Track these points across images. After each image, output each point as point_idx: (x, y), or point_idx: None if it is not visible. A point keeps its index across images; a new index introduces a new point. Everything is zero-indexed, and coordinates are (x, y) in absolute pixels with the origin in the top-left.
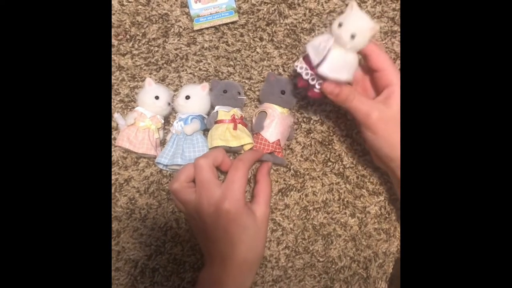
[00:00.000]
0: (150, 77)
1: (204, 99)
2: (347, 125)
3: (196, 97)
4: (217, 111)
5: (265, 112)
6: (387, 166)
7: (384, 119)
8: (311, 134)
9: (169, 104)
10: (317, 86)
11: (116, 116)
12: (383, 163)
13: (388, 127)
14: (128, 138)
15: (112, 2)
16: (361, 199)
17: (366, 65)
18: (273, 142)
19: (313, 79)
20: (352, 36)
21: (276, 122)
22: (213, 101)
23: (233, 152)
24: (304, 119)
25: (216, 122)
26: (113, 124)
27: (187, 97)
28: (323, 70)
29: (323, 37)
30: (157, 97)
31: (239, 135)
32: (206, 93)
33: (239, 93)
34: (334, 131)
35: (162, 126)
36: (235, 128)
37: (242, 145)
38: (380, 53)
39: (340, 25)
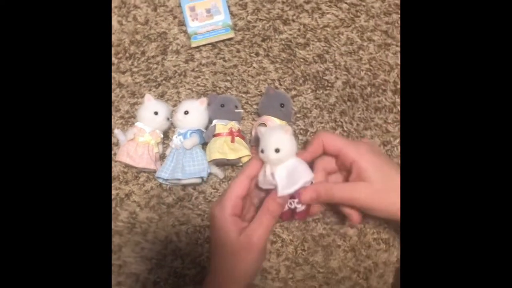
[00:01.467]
0: (149, 93)
1: (203, 113)
2: (343, 136)
3: (194, 112)
4: (214, 125)
5: (264, 124)
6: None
7: (371, 195)
8: None
9: (168, 119)
10: (298, 206)
11: (117, 132)
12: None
13: (379, 198)
14: (128, 153)
15: (112, 22)
16: None
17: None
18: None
19: (290, 204)
20: (277, 151)
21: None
22: (211, 115)
23: (231, 164)
24: (301, 131)
25: (214, 136)
26: (114, 140)
27: (186, 112)
28: (283, 192)
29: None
30: (156, 113)
31: (236, 147)
32: (204, 108)
33: (236, 107)
34: None
35: (162, 141)
36: (232, 140)
37: (240, 157)
38: (329, 139)
39: (262, 151)
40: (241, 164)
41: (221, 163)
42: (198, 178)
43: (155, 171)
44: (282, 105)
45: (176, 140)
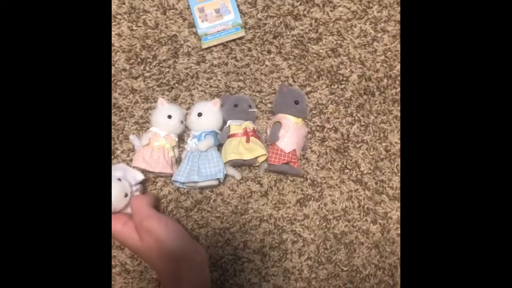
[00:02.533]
0: (163, 97)
1: (216, 114)
2: (361, 130)
3: (208, 114)
4: (229, 126)
5: (279, 122)
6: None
7: None
8: (326, 142)
9: (182, 122)
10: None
11: (132, 138)
12: None
13: None
14: (144, 158)
15: (122, 28)
16: (382, 205)
17: None
18: (289, 152)
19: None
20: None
21: (291, 132)
22: (225, 116)
23: (247, 165)
24: (318, 128)
25: (229, 137)
26: (129, 146)
27: (199, 114)
28: None
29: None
30: (169, 116)
31: (252, 147)
32: (218, 109)
33: (250, 106)
34: (349, 137)
35: (177, 145)
36: (247, 141)
37: (256, 157)
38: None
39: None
40: (257, 164)
41: (238, 164)
42: (215, 180)
43: (171, 175)
44: (296, 102)
45: (191, 143)
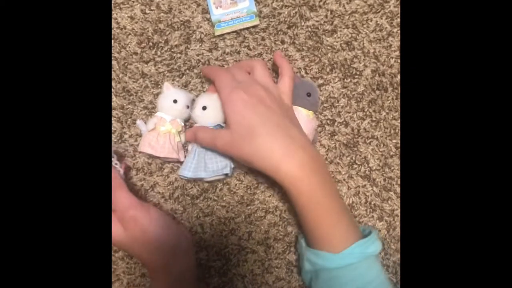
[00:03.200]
0: (169, 82)
1: (221, 108)
2: (372, 126)
3: (213, 107)
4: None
5: None
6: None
7: (228, 143)
8: (335, 137)
9: (187, 107)
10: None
11: (138, 123)
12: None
13: (233, 147)
14: (150, 144)
15: (135, 11)
16: (389, 202)
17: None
18: None
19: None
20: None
21: (302, 125)
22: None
23: None
24: (328, 121)
25: None
26: (137, 131)
27: (204, 108)
28: None
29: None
30: (175, 101)
31: None
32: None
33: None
34: (359, 132)
35: (183, 130)
36: None
37: None
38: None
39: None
40: None
41: None
42: (222, 175)
43: (178, 161)
44: (309, 95)
45: None
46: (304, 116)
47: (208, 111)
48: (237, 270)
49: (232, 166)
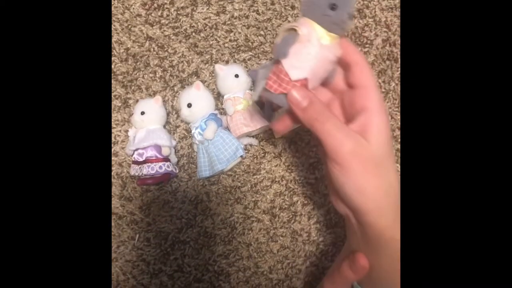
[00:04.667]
0: (218, 64)
1: (205, 98)
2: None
3: (197, 102)
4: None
5: (295, 31)
6: (347, 213)
7: (359, 156)
8: None
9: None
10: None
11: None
12: (342, 208)
13: (363, 168)
14: (242, 123)
15: None
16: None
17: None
18: (296, 80)
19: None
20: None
21: (311, 51)
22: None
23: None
24: None
25: (273, 110)
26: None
27: (189, 105)
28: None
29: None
30: (237, 75)
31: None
32: (204, 92)
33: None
34: None
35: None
36: None
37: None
38: (364, 65)
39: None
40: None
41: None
42: (238, 158)
43: (268, 127)
44: (333, 7)
45: (196, 135)
46: (318, 39)
47: (194, 108)
48: (242, 239)
49: (243, 145)
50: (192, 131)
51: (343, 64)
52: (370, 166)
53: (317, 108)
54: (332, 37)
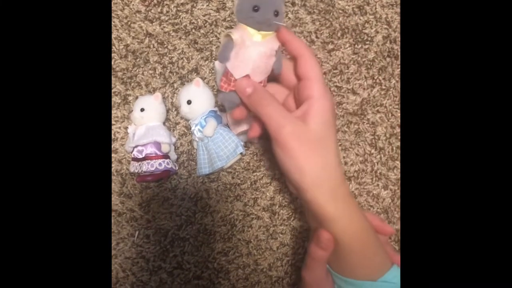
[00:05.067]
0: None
1: (205, 95)
2: (381, 94)
3: (197, 98)
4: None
5: (230, 37)
6: (294, 193)
7: (298, 137)
8: (343, 105)
9: None
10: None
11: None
12: (291, 188)
13: (301, 148)
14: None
15: None
16: (395, 171)
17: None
18: (240, 77)
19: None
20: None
21: (245, 51)
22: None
23: None
24: (336, 88)
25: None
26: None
27: (189, 102)
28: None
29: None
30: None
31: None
32: (203, 88)
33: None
34: (368, 100)
35: None
36: None
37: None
38: (308, 57)
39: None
40: None
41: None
42: (238, 155)
43: None
44: (256, 9)
45: (196, 132)
46: (251, 39)
47: (194, 104)
48: (242, 236)
49: (243, 143)
50: (192, 128)
51: (291, 57)
52: (308, 146)
53: (260, 94)
54: (264, 35)
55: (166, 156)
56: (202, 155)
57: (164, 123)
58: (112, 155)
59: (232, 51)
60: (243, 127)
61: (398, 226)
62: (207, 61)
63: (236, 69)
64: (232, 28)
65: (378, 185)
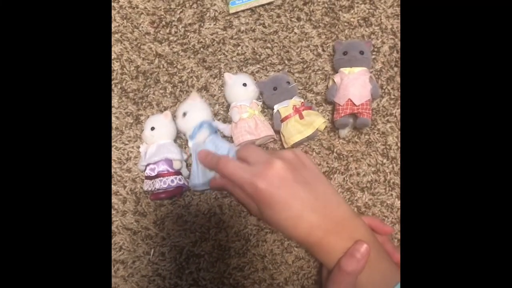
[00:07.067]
0: (226, 72)
1: (200, 106)
2: (390, 104)
3: (192, 110)
4: (278, 111)
5: (332, 79)
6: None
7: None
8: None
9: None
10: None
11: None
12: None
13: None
14: (246, 131)
15: None
16: None
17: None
18: (343, 104)
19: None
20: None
21: (343, 84)
22: (269, 102)
23: (311, 139)
24: None
25: (282, 121)
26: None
27: (184, 114)
28: None
29: None
30: (245, 84)
31: (308, 121)
32: (199, 100)
33: (289, 83)
34: (378, 110)
35: (262, 109)
36: (301, 117)
37: (317, 128)
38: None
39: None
40: (320, 133)
41: (303, 142)
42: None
43: (273, 138)
44: (345, 53)
45: (191, 144)
46: (345, 75)
47: (189, 116)
48: (256, 250)
49: (235, 148)
50: (188, 142)
51: None
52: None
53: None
54: (353, 69)
55: (178, 172)
56: (194, 166)
57: (175, 141)
58: (126, 174)
59: (334, 89)
60: (247, 137)
61: None
62: (216, 79)
63: (340, 99)
64: (239, 45)
65: (391, 195)
